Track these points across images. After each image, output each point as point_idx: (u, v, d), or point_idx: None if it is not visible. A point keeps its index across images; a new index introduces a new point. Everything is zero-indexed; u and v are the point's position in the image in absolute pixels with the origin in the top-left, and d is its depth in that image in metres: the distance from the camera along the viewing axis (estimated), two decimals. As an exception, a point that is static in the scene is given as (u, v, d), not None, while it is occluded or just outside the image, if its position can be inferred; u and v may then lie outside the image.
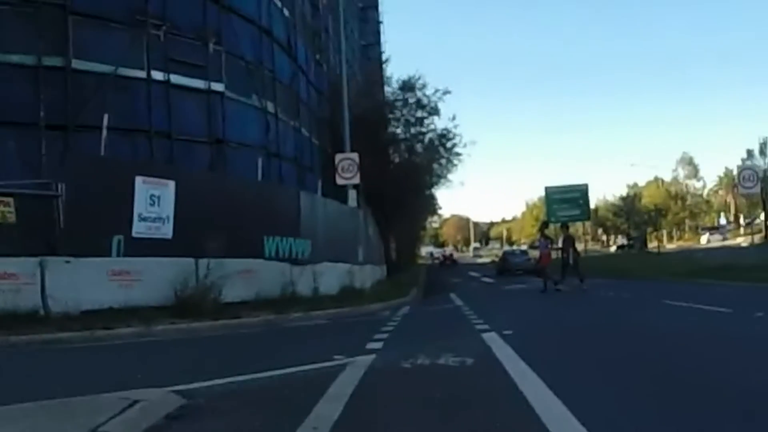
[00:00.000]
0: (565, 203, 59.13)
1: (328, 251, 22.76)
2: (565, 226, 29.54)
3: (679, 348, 9.37)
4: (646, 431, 4.93)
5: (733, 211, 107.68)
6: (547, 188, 62.27)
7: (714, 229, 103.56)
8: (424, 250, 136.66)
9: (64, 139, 18.36)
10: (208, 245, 16.29)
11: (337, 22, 33.83)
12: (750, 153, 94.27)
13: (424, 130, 45.02)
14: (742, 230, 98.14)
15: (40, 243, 14.48)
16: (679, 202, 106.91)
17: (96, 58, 19.30)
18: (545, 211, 63.37)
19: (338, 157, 26.37)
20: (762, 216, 78.37)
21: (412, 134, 45.31)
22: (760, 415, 5.24)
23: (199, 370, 8.21)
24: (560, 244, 26.84)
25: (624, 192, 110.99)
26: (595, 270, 35.71)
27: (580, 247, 35.62)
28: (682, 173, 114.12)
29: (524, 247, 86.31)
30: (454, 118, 52.22)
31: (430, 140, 45.43)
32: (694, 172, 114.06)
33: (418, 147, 46.00)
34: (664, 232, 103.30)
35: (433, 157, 46.45)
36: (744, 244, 69.54)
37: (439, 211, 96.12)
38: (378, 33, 75.29)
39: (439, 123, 45.25)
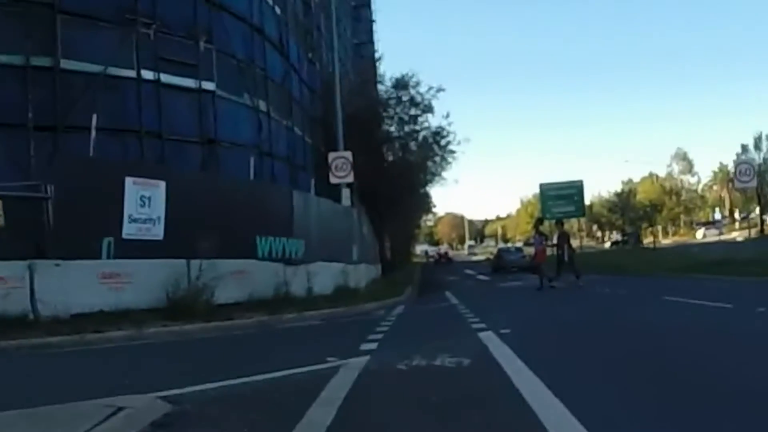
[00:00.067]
0: (560, 200, 58.94)
1: (321, 251, 22.52)
2: (559, 223, 29.34)
3: (680, 345, 9.20)
4: (649, 434, 4.76)
5: (727, 205, 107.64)
6: (541, 185, 62.12)
7: (709, 224, 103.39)
8: (419, 249, 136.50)
9: (53, 140, 18.13)
10: (199, 246, 16.05)
11: (330, 20, 33.70)
12: (744, 147, 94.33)
13: (417, 128, 44.80)
14: (737, 225, 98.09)
15: (29, 246, 14.28)
16: (674, 198, 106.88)
17: (85, 57, 19.05)
18: (540, 207, 63.15)
19: (332, 155, 26.17)
20: (757, 210, 78.14)
21: (406, 132, 45.00)
22: (768, 415, 5.07)
23: (189, 374, 8.07)
24: (555, 241, 26.68)
25: (619, 188, 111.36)
26: (590, 266, 35.52)
27: (575, 243, 35.56)
28: (676, 168, 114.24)
29: (519, 245, 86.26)
30: (447, 115, 52.24)
31: (424, 138, 45.17)
32: (689, 168, 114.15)
33: (412, 145, 45.72)
34: (659, 227, 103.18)
35: (427, 155, 46.18)
36: (739, 239, 69.42)
37: (434, 209, 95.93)
38: (371, 31, 75.26)
39: (433, 121, 44.98)
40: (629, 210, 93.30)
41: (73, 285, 13.99)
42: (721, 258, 31.05)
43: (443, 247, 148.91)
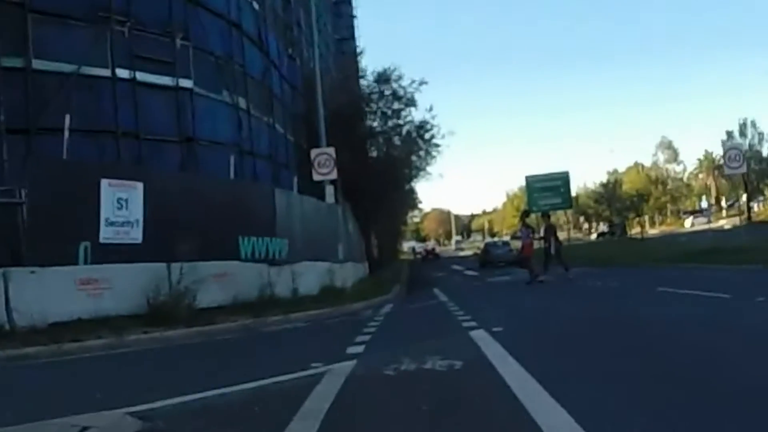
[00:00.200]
0: (547, 192, 58.65)
1: (306, 250, 22.12)
2: (546, 215, 29.06)
3: (682, 340, 8.78)
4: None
5: (714, 193, 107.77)
6: (527, 177, 61.79)
7: (696, 212, 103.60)
8: (406, 246, 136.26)
9: (26, 143, 17.58)
10: (180, 249, 15.60)
11: (309, 15, 33.29)
12: (730, 134, 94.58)
13: (401, 122, 44.52)
14: (724, 213, 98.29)
15: (2, 253, 13.73)
16: (660, 187, 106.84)
17: (57, 57, 18.49)
18: (526, 200, 62.82)
19: (314, 152, 25.80)
20: (744, 197, 78.21)
21: (390, 127, 44.73)
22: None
23: (166, 386, 7.63)
24: (542, 234, 26.39)
25: (604, 179, 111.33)
26: (579, 258, 35.34)
27: (562, 235, 35.32)
28: (661, 157, 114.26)
29: (506, 239, 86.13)
30: (431, 109, 51.84)
31: (408, 132, 44.92)
32: (674, 156, 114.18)
33: (396, 140, 45.47)
34: (646, 217, 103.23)
35: (411, 149, 45.91)
36: (727, 227, 69.43)
37: (420, 206, 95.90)
38: (352, 27, 75.24)
39: (416, 114, 44.95)
40: (616, 201, 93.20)
41: (50, 293, 13.43)
42: (711, 247, 30.84)
43: (430, 244, 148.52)
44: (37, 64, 18.08)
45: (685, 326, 10.27)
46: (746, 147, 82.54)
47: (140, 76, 20.10)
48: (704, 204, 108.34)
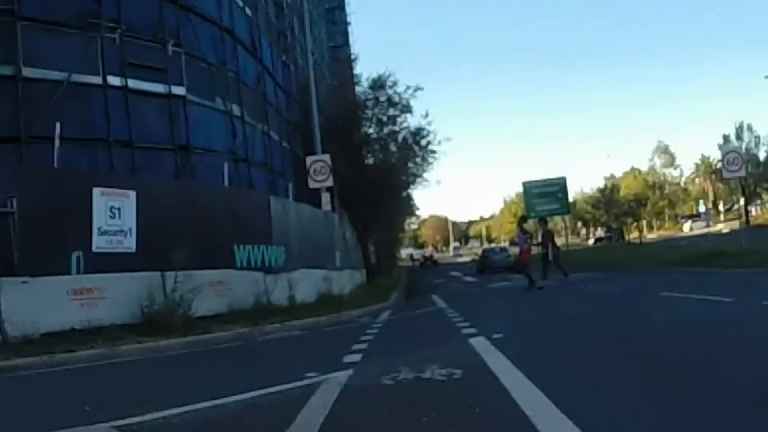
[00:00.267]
0: (544, 197, 58.46)
1: (303, 258, 21.92)
2: (543, 221, 28.92)
3: (693, 346, 8.47)
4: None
5: (711, 198, 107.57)
6: (524, 183, 61.57)
7: (694, 216, 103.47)
8: (404, 252, 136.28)
9: (17, 152, 17.34)
10: (175, 257, 15.29)
11: (303, 21, 33.12)
12: (726, 138, 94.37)
13: (397, 128, 44.24)
14: (722, 217, 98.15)
15: (-7, 263, 13.51)
16: (658, 192, 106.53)
17: (48, 65, 18.26)
18: (524, 206, 62.63)
19: (309, 159, 25.64)
20: (741, 201, 78.09)
21: (386, 133, 44.49)
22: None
23: (157, 397, 7.35)
24: (539, 239, 26.22)
25: (601, 184, 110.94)
26: (579, 264, 35.17)
27: (560, 241, 35.14)
28: (658, 162, 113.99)
29: (505, 244, 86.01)
30: (427, 115, 51.85)
31: (404, 139, 44.63)
32: (671, 161, 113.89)
33: (392, 146, 45.19)
34: (644, 222, 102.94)
35: (407, 155, 45.64)
36: (725, 231, 69.34)
37: (417, 212, 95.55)
38: (347, 34, 75.40)
39: (412, 120, 44.56)
40: (613, 206, 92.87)
41: (43, 303, 13.19)
42: (712, 250, 30.58)
43: (428, 250, 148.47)
44: (28, 72, 17.84)
45: (693, 331, 9.94)
46: (743, 151, 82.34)
47: (132, 83, 19.86)
48: (702, 208, 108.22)
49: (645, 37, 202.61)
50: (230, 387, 7.45)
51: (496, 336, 10.14)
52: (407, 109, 43.09)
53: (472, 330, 11.46)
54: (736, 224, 74.61)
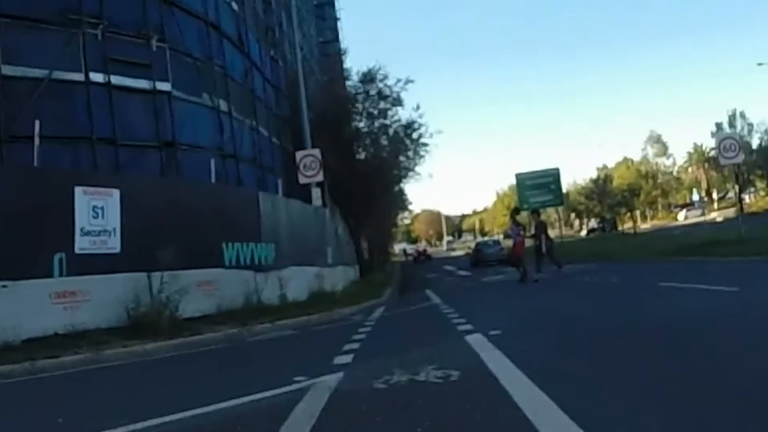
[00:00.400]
0: (537, 189, 58.31)
1: (294, 255, 21.51)
2: (536, 212, 28.59)
3: (702, 340, 8.02)
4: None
5: (704, 186, 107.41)
6: (517, 175, 61.44)
7: (688, 205, 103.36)
8: (397, 248, 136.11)
9: (-2, 152, 16.93)
10: (161, 257, 14.85)
11: (291, 15, 32.76)
12: (719, 126, 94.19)
13: (387, 122, 44.02)
14: (715, 205, 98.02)
15: (-28, 268, 13.08)
16: (651, 181, 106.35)
17: (28, 62, 17.81)
18: (517, 198, 62.46)
19: (299, 154, 25.32)
20: (736, 189, 77.90)
21: (377, 127, 44.28)
22: None
23: (136, 407, 6.96)
24: (532, 231, 25.91)
25: (594, 175, 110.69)
26: (574, 255, 34.93)
27: (554, 233, 34.97)
28: (651, 152, 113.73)
29: (499, 237, 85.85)
30: (418, 107, 51.59)
31: (395, 132, 44.38)
32: (664, 150, 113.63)
33: (383, 140, 44.98)
34: (638, 212, 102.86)
35: (399, 149, 45.34)
36: (719, 219, 69.16)
37: (410, 207, 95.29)
38: (336, 30, 75.12)
39: (403, 114, 44.45)
40: (607, 196, 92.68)
41: (24, 307, 12.73)
42: (709, 239, 30.31)
43: (421, 245, 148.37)
44: (7, 69, 17.38)
45: (700, 324, 9.47)
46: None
47: (115, 79, 19.41)
48: (695, 197, 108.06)
49: (635, 26, 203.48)
50: (214, 394, 7.04)
51: (493, 333, 9.74)
52: (398, 102, 42.97)
53: (468, 326, 11.07)
54: (730, 212, 74.64)
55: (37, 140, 15.38)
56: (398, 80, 42.48)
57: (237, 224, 18.89)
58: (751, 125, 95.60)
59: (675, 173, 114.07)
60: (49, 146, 16.56)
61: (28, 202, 13.79)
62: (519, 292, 20.80)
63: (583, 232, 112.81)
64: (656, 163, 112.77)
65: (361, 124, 44.20)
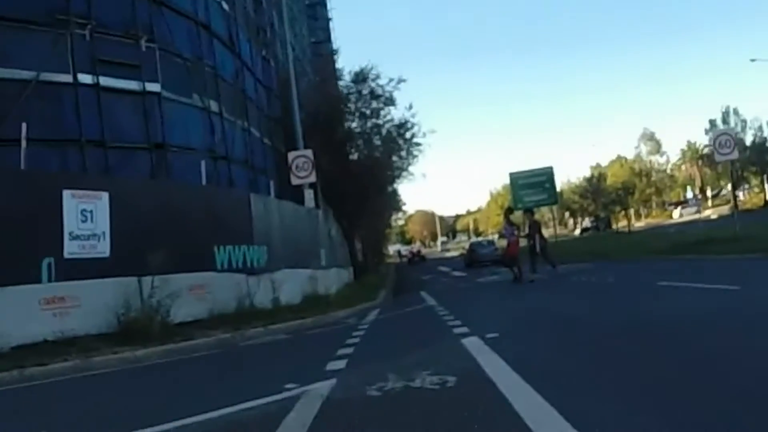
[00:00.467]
0: (531, 188, 58.17)
1: (287, 257, 21.27)
2: (529, 212, 28.43)
3: (709, 342, 7.73)
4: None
5: (698, 184, 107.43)
6: (511, 174, 61.25)
7: (682, 203, 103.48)
8: (392, 249, 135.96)
9: (-15, 156, 16.65)
10: (151, 261, 14.61)
11: (282, 15, 32.57)
12: (713, 123, 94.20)
13: (380, 122, 43.81)
14: (709, 203, 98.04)
15: (-42, 274, 12.83)
16: (645, 179, 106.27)
17: (15, 64, 17.48)
18: (511, 197, 62.28)
19: (291, 155, 25.12)
20: (729, 187, 77.84)
21: (369, 127, 44.09)
22: None
23: (122, 417, 6.79)
24: (526, 231, 25.74)
25: (588, 173, 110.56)
26: (569, 254, 34.78)
27: (548, 232, 34.85)
28: (644, 150, 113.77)
29: (491, 238, 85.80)
30: (411, 107, 51.39)
31: (388, 132, 44.17)
32: (657, 148, 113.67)
33: (376, 140, 44.81)
34: (632, 210, 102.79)
35: (392, 149, 45.19)
36: (713, 216, 69.09)
37: (404, 208, 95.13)
38: (328, 30, 74.93)
39: (396, 113, 44.32)
40: (601, 195, 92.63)
41: (12, 314, 12.48)
42: (705, 237, 30.18)
43: (416, 246, 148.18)
44: (-7, 72, 17.12)
45: (705, 324, 9.23)
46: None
47: (104, 80, 19.10)
48: (689, 195, 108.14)
49: (628, 25, 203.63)
50: (202, 403, 6.83)
51: (490, 335, 9.51)
52: (390, 101, 42.75)
53: (465, 329, 10.85)
54: (724, 210, 74.56)
55: (24, 143, 15.12)
56: (390, 80, 42.31)
57: (228, 226, 18.67)
58: (744, 122, 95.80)
59: (669, 171, 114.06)
60: (36, 149, 16.34)
61: (16, 206, 13.60)
62: (515, 293, 20.61)
63: (577, 231, 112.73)
64: (650, 161, 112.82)
65: (354, 125, 44.05)
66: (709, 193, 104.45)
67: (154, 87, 20.53)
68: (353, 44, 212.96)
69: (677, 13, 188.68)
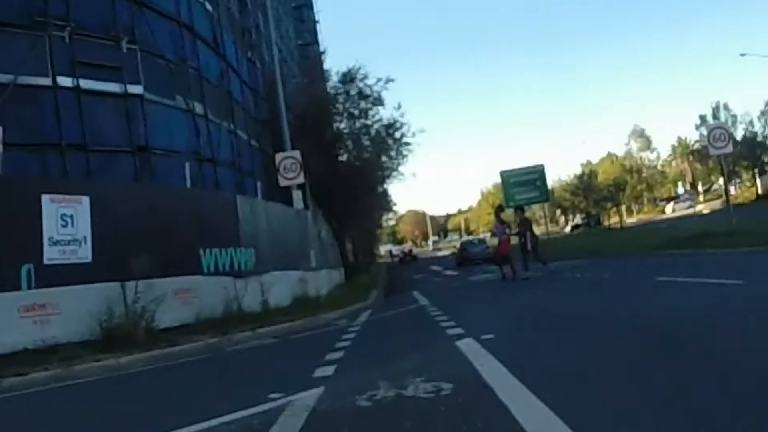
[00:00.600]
0: (522, 186, 58.26)
1: (275, 259, 20.89)
2: (520, 209, 28.12)
3: (724, 342, 7.25)
4: None
5: (689, 179, 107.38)
6: (502, 172, 61.29)
7: (674, 199, 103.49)
8: (383, 249, 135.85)
9: (-38, 162, 16.27)
10: (135, 266, 14.30)
11: (267, 14, 32.23)
12: (703, 118, 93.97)
13: (369, 122, 43.78)
14: (701, 197, 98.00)
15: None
16: (636, 176, 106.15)
17: (-8, 67, 17.19)
18: (502, 196, 62.25)
19: (279, 156, 24.80)
20: (720, 181, 77.79)
21: (358, 128, 44.05)
22: None
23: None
24: (517, 229, 25.44)
25: (578, 171, 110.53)
26: (563, 251, 34.58)
27: (540, 230, 34.65)
28: (634, 146, 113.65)
29: (482, 236, 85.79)
30: (399, 106, 51.23)
31: (377, 132, 44.10)
32: (647, 144, 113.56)
33: (365, 140, 44.71)
34: (624, 207, 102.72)
35: (381, 149, 45.08)
36: (705, 211, 68.95)
37: (395, 208, 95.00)
38: (315, 32, 74.79)
39: (384, 113, 44.20)
40: (592, 192, 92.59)
41: (-10, 322, 12.09)
42: (698, 232, 29.91)
43: (407, 245, 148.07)
44: (-31, 76, 16.75)
45: (714, 321, 8.79)
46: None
47: (84, 83, 18.81)
48: (681, 190, 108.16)
49: (615, 21, 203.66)
50: (181, 415, 6.46)
51: (485, 337, 9.10)
52: (379, 101, 42.70)
53: (459, 330, 10.45)
54: (716, 204, 74.44)
55: (0, 147, 14.74)
56: (378, 79, 42.28)
57: (215, 229, 18.26)
58: (734, 116, 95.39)
59: (659, 167, 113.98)
60: (15, 154, 15.98)
61: (-7, 212, 13.19)
62: (509, 291, 20.25)
63: (567, 229, 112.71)
64: (640, 158, 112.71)
65: (343, 125, 44.04)
66: (700, 188, 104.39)
67: (136, 89, 20.21)
68: (341, 43, 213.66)
69: (666, 8, 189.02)
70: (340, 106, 42.89)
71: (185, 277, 16.40)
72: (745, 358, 6.14)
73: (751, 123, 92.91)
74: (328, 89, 44.10)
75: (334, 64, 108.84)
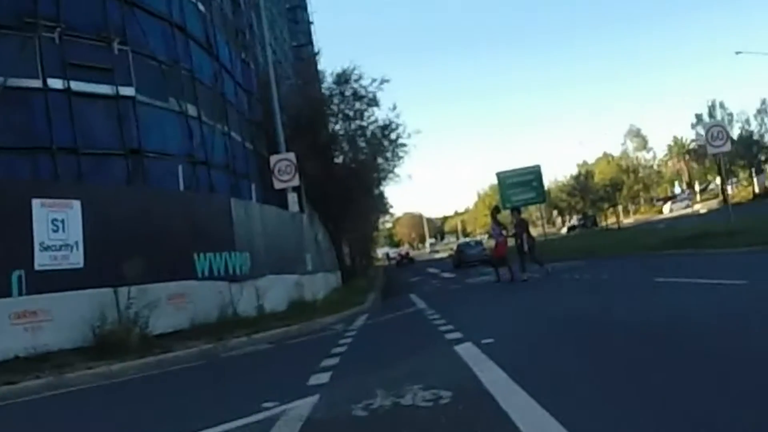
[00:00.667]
0: (519, 187, 58.19)
1: (271, 263, 20.68)
2: (516, 210, 27.93)
3: (725, 343, 7.10)
4: None
5: (686, 179, 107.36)
6: (498, 173, 61.18)
7: (670, 198, 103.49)
8: (380, 252, 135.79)
9: (-49, 165, 16.10)
10: (128, 271, 14.08)
11: (260, 15, 32.07)
12: (699, 117, 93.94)
13: (364, 123, 43.68)
14: (698, 197, 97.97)
15: None
16: (632, 176, 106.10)
17: (-20, 69, 16.99)
18: (499, 197, 62.21)
19: (273, 158, 24.58)
20: (717, 181, 77.69)
21: (353, 129, 44.00)
22: None
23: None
24: (513, 230, 25.25)
25: (575, 171, 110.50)
26: (560, 252, 34.40)
27: (536, 231, 34.51)
28: (631, 146, 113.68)
29: (478, 238, 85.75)
30: (395, 107, 51.05)
31: (373, 133, 44.04)
32: (643, 144, 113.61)
33: (361, 142, 44.65)
34: (621, 207, 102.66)
35: (377, 150, 44.98)
36: (702, 211, 68.85)
37: (391, 210, 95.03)
38: (309, 33, 74.80)
39: (380, 114, 44.56)
40: (589, 192, 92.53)
41: (-20, 330, 11.87)
42: (696, 232, 29.72)
43: (404, 248, 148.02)
44: (-42, 78, 16.54)
45: (715, 321, 8.64)
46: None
47: (75, 85, 18.61)
48: (677, 190, 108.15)
49: (610, 20, 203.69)
50: (171, 425, 6.25)
51: (485, 341, 8.88)
52: (374, 102, 42.64)
53: (457, 334, 10.22)
54: (713, 204, 74.35)
55: (-12, 151, 14.58)
56: (373, 80, 42.17)
57: (209, 233, 18.03)
58: (731, 115, 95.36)
59: (656, 167, 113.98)
60: (6, 157, 15.98)
61: (-19, 217, 12.97)
62: (507, 294, 20.10)
63: (564, 230, 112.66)
64: (637, 158, 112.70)
65: (338, 127, 43.99)
66: (697, 187, 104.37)
67: (128, 91, 20.01)
68: (335, 44, 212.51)
69: (661, 8, 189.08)
70: (335, 108, 42.80)
71: (179, 281, 16.17)
72: (746, 359, 6.01)
73: (747, 121, 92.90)
74: (323, 90, 44.04)
75: (329, 64, 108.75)
